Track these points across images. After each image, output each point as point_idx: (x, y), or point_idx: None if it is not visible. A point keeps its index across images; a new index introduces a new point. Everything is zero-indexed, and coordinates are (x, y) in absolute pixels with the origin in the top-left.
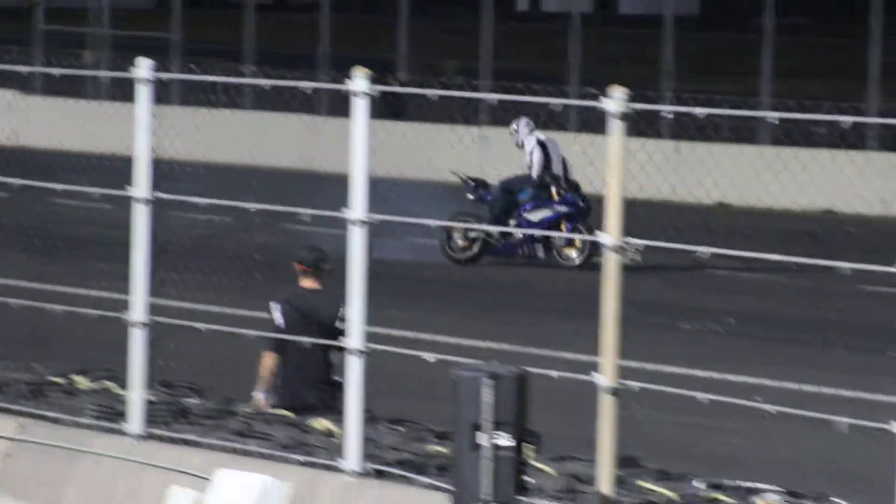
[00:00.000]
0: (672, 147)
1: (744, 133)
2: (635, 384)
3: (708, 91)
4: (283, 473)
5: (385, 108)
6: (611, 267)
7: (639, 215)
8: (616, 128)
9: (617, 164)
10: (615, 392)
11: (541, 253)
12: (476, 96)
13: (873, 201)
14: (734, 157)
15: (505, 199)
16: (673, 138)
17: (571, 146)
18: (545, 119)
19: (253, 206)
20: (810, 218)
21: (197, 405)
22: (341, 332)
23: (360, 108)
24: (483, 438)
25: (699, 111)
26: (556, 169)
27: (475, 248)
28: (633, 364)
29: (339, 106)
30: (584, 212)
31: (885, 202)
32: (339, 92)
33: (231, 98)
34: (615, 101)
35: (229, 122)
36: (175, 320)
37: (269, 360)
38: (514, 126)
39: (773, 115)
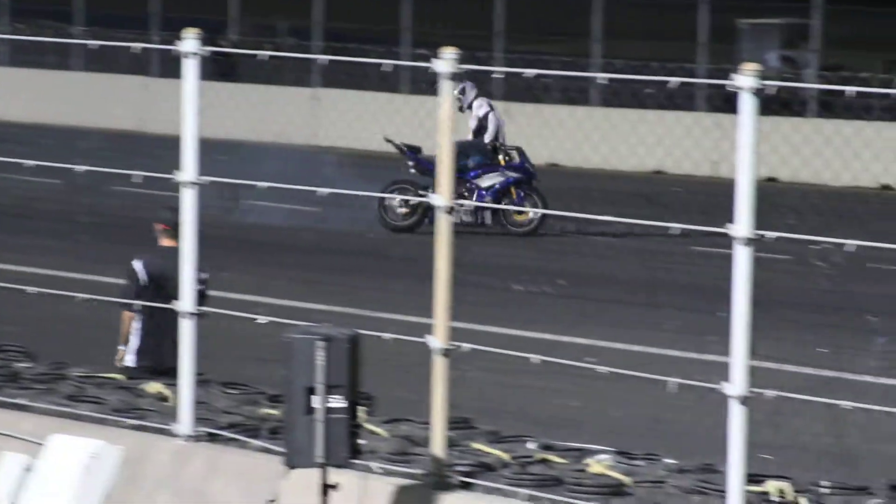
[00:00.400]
0: (502, 108)
1: (574, 94)
2: (467, 345)
3: (538, 52)
4: (115, 438)
5: (216, 69)
6: (442, 228)
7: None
8: (447, 89)
9: (448, 125)
10: (447, 353)
11: (489, 220)
12: (306, 57)
13: (702, 162)
14: (563, 118)
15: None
16: (503, 99)
17: (403, 108)
18: (377, 81)
19: (82, 168)
20: (640, 179)
21: (28, 369)
22: (201, 294)
23: (190, 70)
24: (316, 401)
25: (529, 72)
26: (501, 135)
27: (415, 217)
28: (465, 326)
29: (171, 67)
30: (532, 177)
31: (713, 163)
32: (171, 53)
33: (62, 59)
34: (446, 61)
35: (59, 84)
36: (1, 283)
37: (127, 319)
38: (458, 88)
39: (602, 77)
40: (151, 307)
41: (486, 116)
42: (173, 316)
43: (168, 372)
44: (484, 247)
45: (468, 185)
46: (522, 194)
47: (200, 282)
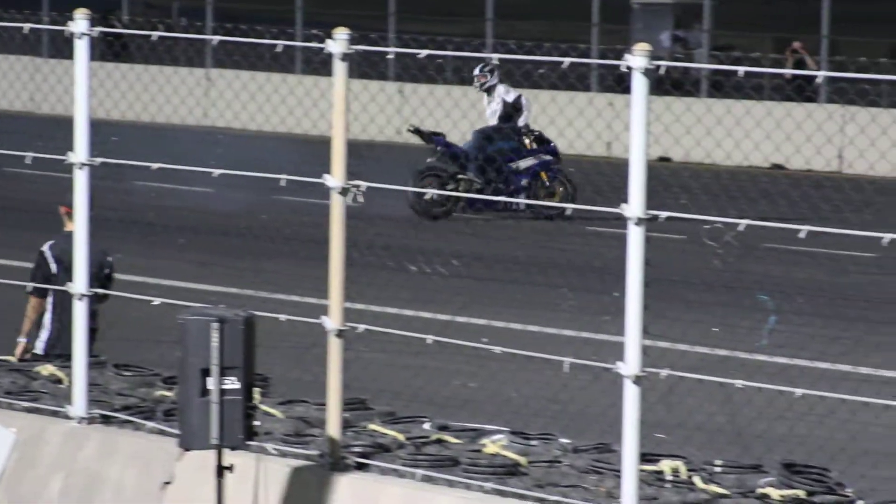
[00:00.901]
0: (395, 88)
1: (467, 75)
2: (362, 326)
3: (431, 33)
4: (8, 420)
5: (108, 49)
6: (336, 210)
7: (364, 157)
8: (339, 69)
9: (340, 105)
10: (341, 334)
11: (523, 206)
12: (198, 38)
13: (596, 143)
14: (457, 98)
15: (486, 149)
16: (397, 80)
17: (296, 88)
18: (269, 61)
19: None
20: None
21: None
22: (107, 277)
23: (80, 50)
24: (211, 383)
25: (423, 52)
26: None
27: (448, 204)
28: (360, 306)
29: (62, 47)
30: (559, 160)
31: (606, 143)
32: (61, 33)
33: None
34: (338, 42)
35: None
36: None
37: (33, 307)
38: (484, 70)
39: (495, 56)
40: (61, 293)
41: (518, 100)
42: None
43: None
44: (378, 228)
45: (505, 170)
46: (552, 176)
47: (107, 265)
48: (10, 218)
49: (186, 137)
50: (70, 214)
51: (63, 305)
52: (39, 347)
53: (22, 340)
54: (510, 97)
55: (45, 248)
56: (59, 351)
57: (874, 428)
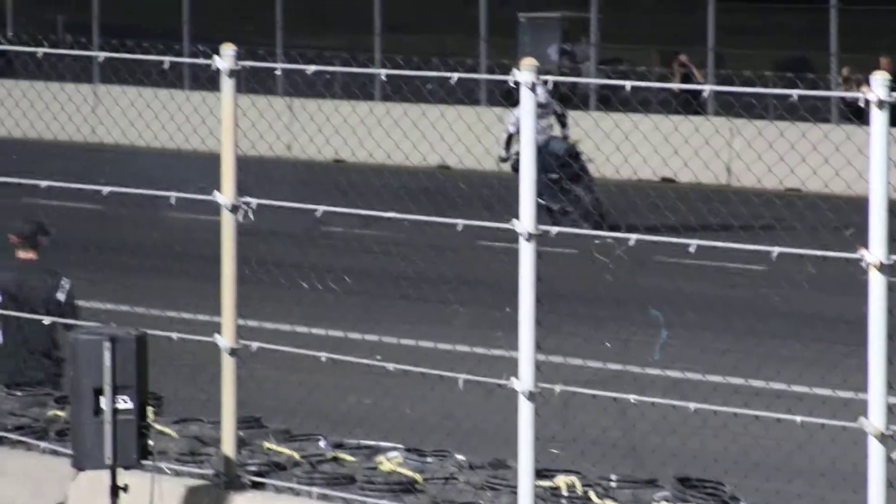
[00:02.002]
0: (284, 104)
1: (354, 90)
2: (255, 344)
3: (318, 46)
4: None
5: None
6: (226, 227)
7: (253, 173)
8: (227, 85)
9: (229, 121)
10: (235, 352)
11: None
12: (84, 54)
13: (484, 157)
14: (346, 113)
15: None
16: (285, 94)
17: (184, 105)
18: (156, 77)
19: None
20: (425, 174)
21: None
22: (68, 305)
23: None
24: (104, 402)
25: (311, 68)
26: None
27: None
28: (254, 324)
29: None
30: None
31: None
32: None
33: None
34: (226, 58)
35: None
36: None
37: None
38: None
39: (383, 72)
40: (8, 322)
41: (562, 111)
42: (34, 328)
43: (30, 384)
44: (269, 244)
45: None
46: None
47: (62, 290)
48: None
49: (75, 154)
50: (21, 243)
51: (7, 333)
52: None
53: None
54: (558, 107)
55: None
56: (6, 377)
57: (766, 441)
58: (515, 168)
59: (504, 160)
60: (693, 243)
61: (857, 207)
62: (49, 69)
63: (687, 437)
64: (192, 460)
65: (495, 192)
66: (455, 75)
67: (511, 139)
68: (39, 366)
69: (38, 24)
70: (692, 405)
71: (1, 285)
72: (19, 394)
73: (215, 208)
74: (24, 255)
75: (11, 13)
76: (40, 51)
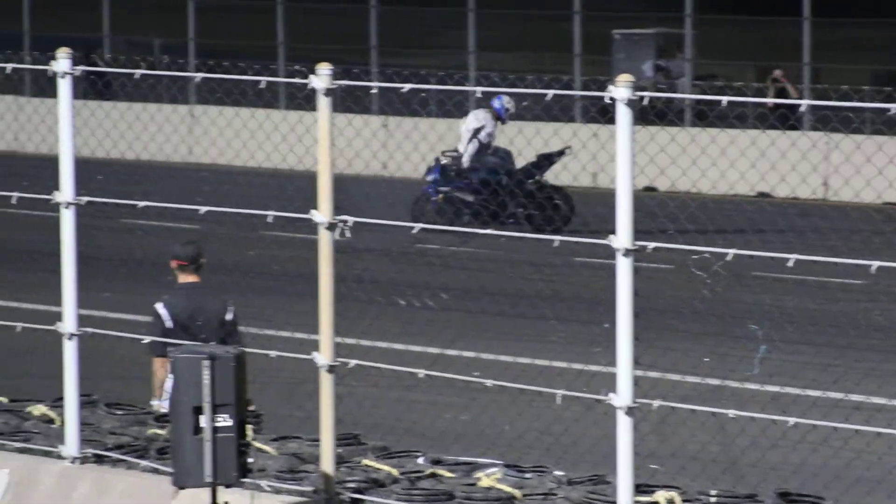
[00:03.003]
0: (380, 122)
1: (451, 108)
2: (353, 361)
3: (413, 66)
4: (0, 461)
5: (89, 87)
6: (324, 245)
7: (350, 191)
8: (323, 104)
9: (326, 140)
10: (333, 369)
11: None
12: (182, 75)
13: (582, 174)
14: (442, 131)
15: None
16: (381, 113)
17: (281, 124)
18: (252, 97)
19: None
20: None
21: None
22: (233, 325)
23: (64, 89)
24: (203, 420)
25: (406, 87)
26: None
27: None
28: (351, 341)
29: (41, 86)
30: None
31: (592, 174)
32: (43, 72)
33: None
34: (322, 77)
35: None
36: None
37: (160, 366)
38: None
39: (479, 90)
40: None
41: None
42: None
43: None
44: (366, 262)
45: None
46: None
47: (229, 310)
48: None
49: (171, 175)
50: (182, 267)
51: None
52: (166, 405)
53: (156, 403)
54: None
55: (158, 304)
56: None
57: (867, 455)
58: (459, 172)
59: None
60: (792, 258)
61: None
62: (147, 91)
63: (787, 452)
64: (292, 478)
65: (591, 209)
66: (551, 92)
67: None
68: None
69: (134, 46)
70: (792, 419)
71: (174, 312)
72: (119, 412)
73: (312, 227)
74: (188, 278)
75: (109, 35)
76: (137, 72)
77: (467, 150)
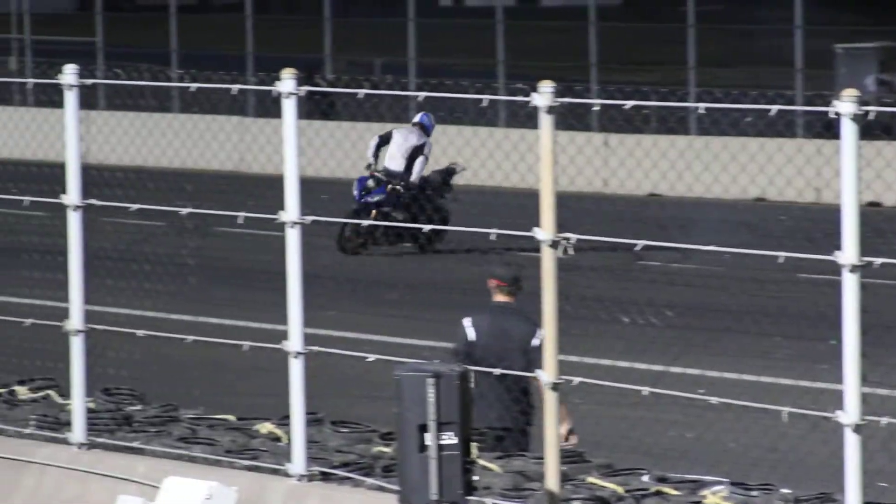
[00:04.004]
0: (601, 139)
1: (672, 124)
2: (576, 379)
3: (634, 82)
4: (229, 479)
5: (313, 107)
6: (547, 262)
7: (572, 209)
8: (546, 122)
9: (548, 158)
10: (556, 387)
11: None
12: (405, 94)
13: (804, 189)
14: (663, 148)
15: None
16: (601, 131)
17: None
18: (474, 115)
19: (186, 210)
20: (742, 207)
21: (139, 412)
22: (537, 352)
23: (288, 109)
24: (428, 438)
25: (629, 104)
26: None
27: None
28: (573, 359)
29: (266, 107)
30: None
31: (816, 190)
32: (266, 93)
33: (159, 101)
34: (544, 95)
35: (158, 126)
36: (112, 327)
37: None
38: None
39: (702, 106)
40: (484, 367)
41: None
42: (507, 375)
43: (499, 434)
44: (587, 279)
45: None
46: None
47: (537, 336)
48: (222, 277)
49: None
50: (501, 287)
51: (478, 377)
52: None
53: None
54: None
55: (466, 320)
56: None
57: None
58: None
59: (368, 167)
60: None
61: None
62: (370, 111)
63: None
64: (517, 496)
65: (816, 224)
66: (774, 107)
67: (378, 150)
68: (507, 413)
69: (355, 66)
70: None
71: (480, 329)
72: (345, 430)
73: (535, 244)
74: (502, 298)
75: (330, 55)
76: (362, 92)
77: (416, 168)
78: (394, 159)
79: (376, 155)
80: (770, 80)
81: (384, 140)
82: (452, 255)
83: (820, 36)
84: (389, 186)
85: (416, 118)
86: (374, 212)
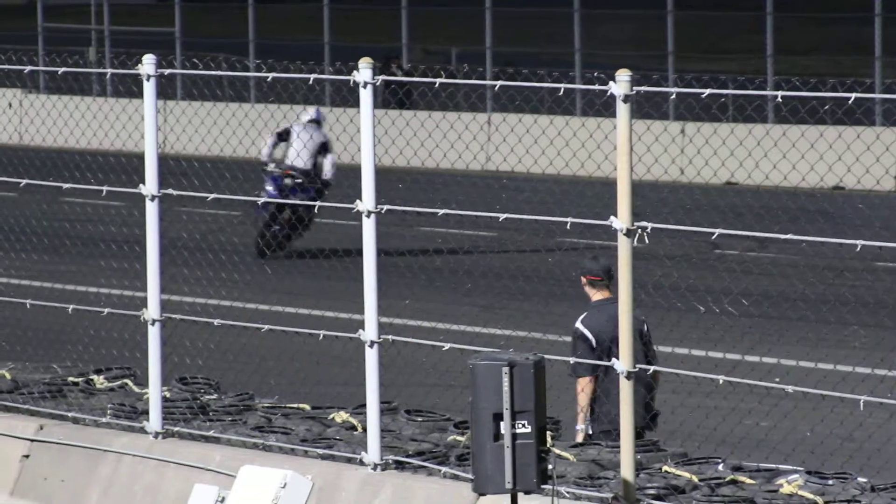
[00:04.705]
0: (678, 128)
1: (749, 112)
2: (652, 367)
3: (711, 71)
4: (304, 467)
5: (390, 96)
6: (623, 251)
7: (648, 197)
8: (623, 111)
9: (625, 146)
10: (630, 376)
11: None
12: (484, 84)
13: (883, 177)
14: (740, 136)
15: None
16: (678, 119)
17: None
18: (551, 104)
19: (260, 199)
20: (820, 195)
21: (215, 401)
22: (648, 337)
23: (365, 98)
24: (503, 427)
25: (706, 92)
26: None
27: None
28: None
29: (343, 96)
30: None
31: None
32: (343, 82)
33: (236, 92)
34: (621, 84)
35: (235, 116)
36: (189, 316)
37: (588, 388)
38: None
39: (780, 94)
40: (605, 368)
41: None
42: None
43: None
44: (664, 268)
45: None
46: None
47: (645, 333)
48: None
49: (471, 183)
50: (594, 282)
51: (603, 380)
52: (588, 428)
53: (580, 428)
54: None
55: (579, 324)
56: (607, 428)
57: None
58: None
59: (265, 165)
60: None
61: None
62: (446, 100)
63: None
64: (591, 484)
65: (894, 213)
66: (853, 95)
67: (275, 145)
68: (638, 410)
69: (431, 55)
70: None
71: (596, 331)
72: (420, 419)
73: (611, 233)
74: (602, 294)
75: (406, 44)
76: (438, 81)
77: (328, 166)
78: (300, 157)
79: (271, 153)
80: (848, 67)
81: (282, 138)
82: (527, 245)
83: None
84: (311, 185)
85: (311, 114)
86: (286, 210)
